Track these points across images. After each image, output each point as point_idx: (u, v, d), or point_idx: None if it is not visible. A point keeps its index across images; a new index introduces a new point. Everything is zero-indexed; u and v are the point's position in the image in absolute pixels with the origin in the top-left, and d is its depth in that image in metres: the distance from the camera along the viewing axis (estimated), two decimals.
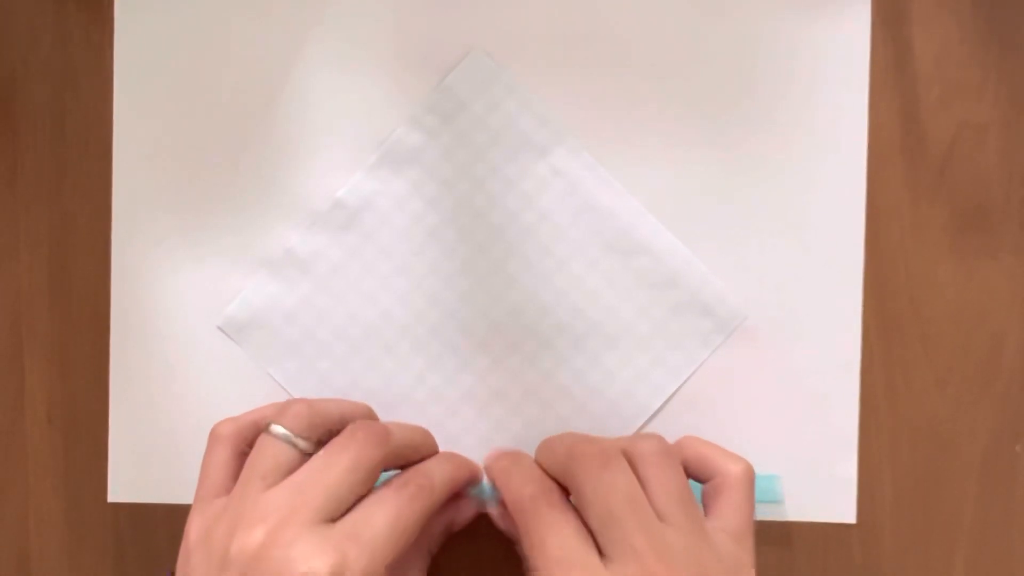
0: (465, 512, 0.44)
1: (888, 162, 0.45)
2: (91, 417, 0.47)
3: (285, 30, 0.46)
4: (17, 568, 0.47)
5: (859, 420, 0.46)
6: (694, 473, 0.42)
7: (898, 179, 0.45)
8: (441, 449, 0.45)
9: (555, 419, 0.46)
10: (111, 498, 0.47)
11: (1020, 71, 0.45)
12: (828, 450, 0.46)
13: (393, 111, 0.46)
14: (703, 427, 0.45)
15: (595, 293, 0.46)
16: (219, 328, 0.47)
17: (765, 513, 0.46)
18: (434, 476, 0.40)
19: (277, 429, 0.39)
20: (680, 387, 0.46)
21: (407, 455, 0.41)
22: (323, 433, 0.40)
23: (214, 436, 0.41)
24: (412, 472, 0.40)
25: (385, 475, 0.40)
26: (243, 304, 0.46)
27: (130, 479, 0.47)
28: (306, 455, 0.39)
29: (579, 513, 0.38)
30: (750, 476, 0.41)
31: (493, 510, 0.43)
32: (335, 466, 0.38)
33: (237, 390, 0.46)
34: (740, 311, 0.46)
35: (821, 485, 0.46)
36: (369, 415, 0.43)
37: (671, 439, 0.43)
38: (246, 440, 0.41)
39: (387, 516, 0.37)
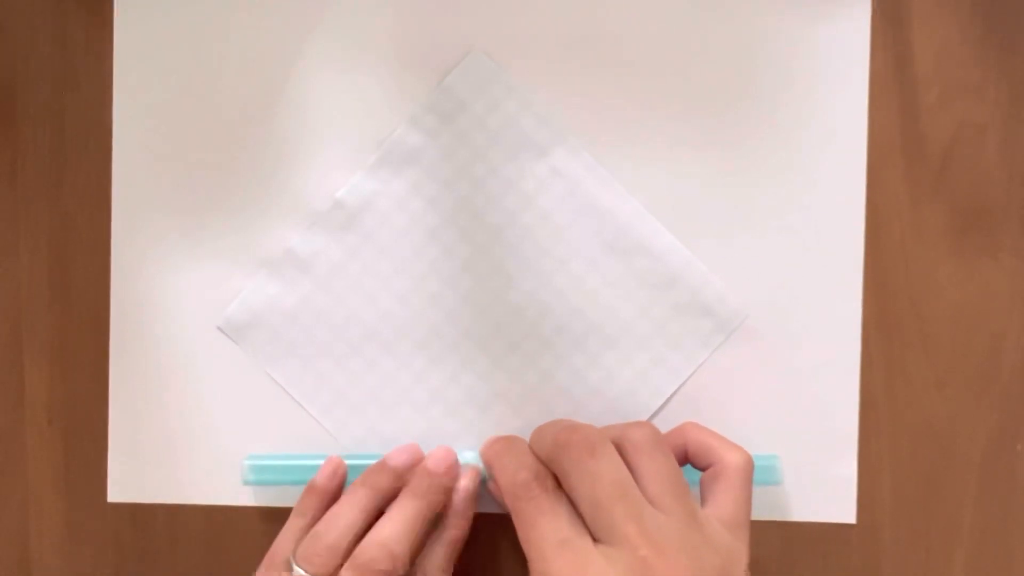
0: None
1: (888, 162, 0.45)
2: (91, 417, 0.47)
3: (285, 30, 0.46)
4: (17, 568, 0.47)
5: (859, 420, 0.46)
6: (693, 460, 0.42)
7: (898, 179, 0.45)
8: (441, 448, 0.45)
9: (555, 419, 0.46)
10: (111, 498, 0.47)
11: (1020, 71, 0.45)
12: (828, 450, 0.46)
13: (393, 111, 0.46)
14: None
15: (595, 293, 0.46)
16: (219, 328, 0.47)
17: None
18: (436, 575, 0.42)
19: (300, 573, 0.40)
20: (680, 387, 0.46)
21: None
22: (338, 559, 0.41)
23: (272, 559, 0.42)
24: None
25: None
26: (243, 304, 0.46)
27: (129, 479, 0.47)
28: None
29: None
30: (749, 466, 0.41)
31: (492, 486, 0.44)
32: None
33: (237, 390, 0.46)
34: (740, 311, 0.46)
35: (821, 485, 0.46)
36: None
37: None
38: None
39: None
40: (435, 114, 0.46)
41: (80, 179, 0.47)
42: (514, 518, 0.39)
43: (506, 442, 0.42)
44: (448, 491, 0.43)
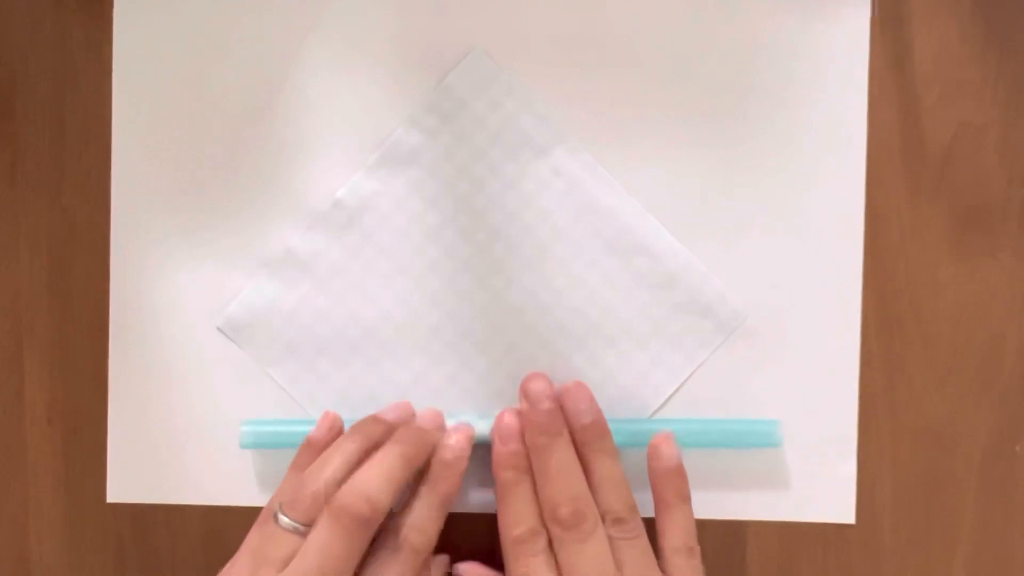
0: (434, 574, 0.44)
1: (888, 162, 0.45)
2: (90, 417, 0.47)
3: (285, 30, 0.46)
4: (17, 568, 0.47)
5: (859, 420, 0.46)
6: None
7: (898, 179, 0.45)
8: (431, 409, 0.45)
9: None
10: (110, 498, 0.47)
11: (1020, 71, 0.45)
12: (828, 450, 0.46)
13: (393, 111, 0.46)
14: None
15: (595, 293, 0.46)
16: (218, 328, 0.47)
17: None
18: (426, 529, 0.42)
19: (285, 521, 0.40)
20: (680, 387, 0.46)
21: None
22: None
23: (268, 514, 0.42)
24: (405, 530, 0.41)
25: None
26: (243, 304, 0.46)
27: (129, 479, 0.47)
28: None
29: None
30: (691, 551, 0.43)
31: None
32: (331, 555, 0.39)
33: (237, 390, 0.46)
34: (740, 311, 0.46)
35: (820, 485, 0.46)
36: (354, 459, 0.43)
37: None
38: None
39: None
40: (435, 114, 0.46)
41: (80, 179, 0.47)
42: (504, 566, 0.42)
43: (515, 477, 0.43)
44: (433, 446, 0.43)
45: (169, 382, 0.47)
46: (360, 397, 0.46)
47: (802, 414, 0.46)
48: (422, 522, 0.42)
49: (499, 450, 0.43)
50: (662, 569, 0.42)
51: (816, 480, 0.46)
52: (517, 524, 0.42)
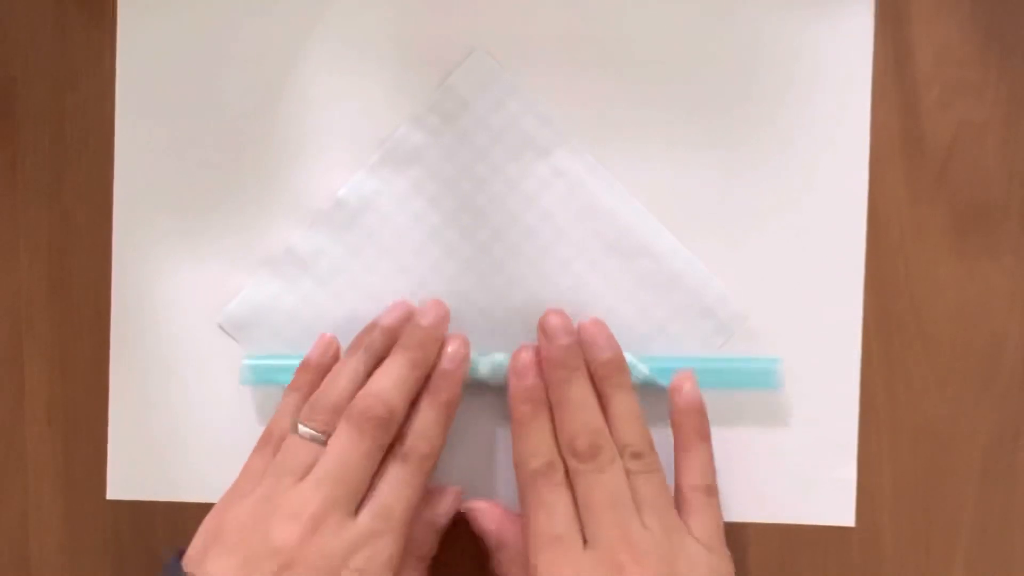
0: (445, 506, 0.44)
1: (888, 162, 0.45)
2: (91, 417, 0.47)
3: (287, 29, 0.46)
4: (17, 566, 0.47)
5: (859, 420, 0.46)
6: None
7: (898, 179, 0.45)
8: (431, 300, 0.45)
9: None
10: (110, 495, 0.47)
11: (1020, 71, 0.45)
12: (827, 452, 0.46)
13: (395, 110, 0.46)
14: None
15: (596, 294, 0.46)
16: (219, 326, 0.46)
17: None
18: (431, 436, 0.42)
19: (304, 430, 0.41)
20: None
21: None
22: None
23: (269, 436, 0.43)
24: (412, 437, 0.42)
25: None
26: (244, 302, 0.46)
27: (129, 477, 0.47)
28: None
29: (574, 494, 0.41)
30: (704, 487, 0.43)
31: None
32: (351, 460, 0.40)
33: (237, 389, 0.46)
34: (741, 312, 0.46)
35: (820, 488, 0.46)
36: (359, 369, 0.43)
37: (671, 443, 0.43)
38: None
39: (401, 500, 0.41)
40: (437, 113, 0.46)
41: (80, 179, 0.47)
42: (519, 501, 0.42)
43: (532, 410, 0.42)
44: (437, 343, 0.43)
45: (170, 380, 0.47)
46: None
47: (802, 416, 0.46)
48: (426, 430, 0.42)
49: (516, 384, 0.43)
50: (679, 507, 0.42)
51: (816, 483, 0.46)
52: (534, 456, 0.42)
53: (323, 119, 0.46)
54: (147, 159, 0.47)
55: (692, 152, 0.46)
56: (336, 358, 0.45)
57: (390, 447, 0.42)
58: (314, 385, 0.44)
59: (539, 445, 0.42)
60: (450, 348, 0.43)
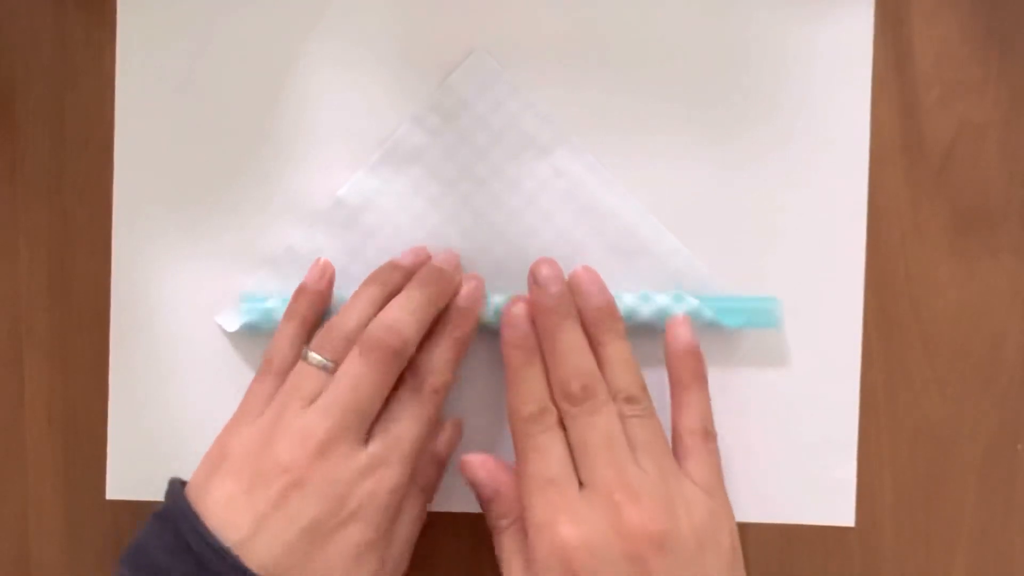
0: (446, 436, 0.44)
1: (888, 162, 0.45)
2: (91, 416, 0.47)
3: (287, 29, 0.46)
4: (17, 566, 0.47)
5: (859, 420, 0.45)
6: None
7: (898, 179, 0.45)
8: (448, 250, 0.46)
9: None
10: (109, 495, 0.47)
11: (1020, 71, 0.45)
12: (827, 452, 0.46)
13: (395, 110, 0.46)
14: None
15: None
16: (219, 326, 0.46)
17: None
18: (444, 370, 0.42)
19: (315, 358, 0.41)
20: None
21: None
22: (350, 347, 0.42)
23: (269, 364, 0.43)
24: (425, 370, 0.42)
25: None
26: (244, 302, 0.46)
27: (129, 476, 0.47)
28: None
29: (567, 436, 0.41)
30: (707, 433, 0.42)
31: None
32: (362, 387, 0.40)
33: (237, 389, 0.46)
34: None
35: (820, 488, 0.46)
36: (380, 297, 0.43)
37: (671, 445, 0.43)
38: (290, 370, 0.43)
39: (411, 429, 0.41)
40: (437, 113, 0.46)
41: (80, 179, 0.47)
42: (513, 447, 0.42)
43: (524, 356, 0.42)
44: (453, 286, 0.43)
45: (169, 380, 0.46)
46: None
47: (802, 416, 0.46)
48: (440, 364, 0.42)
49: (508, 333, 0.43)
50: (677, 452, 0.42)
51: (816, 483, 0.46)
52: (527, 403, 0.41)
53: (323, 118, 0.46)
54: (147, 159, 0.47)
55: (692, 152, 0.46)
56: (331, 283, 0.45)
57: (401, 379, 0.42)
58: (309, 312, 0.44)
59: (531, 391, 0.42)
60: (466, 288, 0.44)
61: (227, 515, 0.39)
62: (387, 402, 0.41)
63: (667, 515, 0.39)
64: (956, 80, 0.45)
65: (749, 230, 0.46)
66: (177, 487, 0.41)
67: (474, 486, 0.43)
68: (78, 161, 0.47)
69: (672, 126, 0.46)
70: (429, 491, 0.44)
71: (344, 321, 0.42)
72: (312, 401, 0.40)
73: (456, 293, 0.44)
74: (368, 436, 0.41)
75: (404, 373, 0.42)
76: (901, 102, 0.45)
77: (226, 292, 0.46)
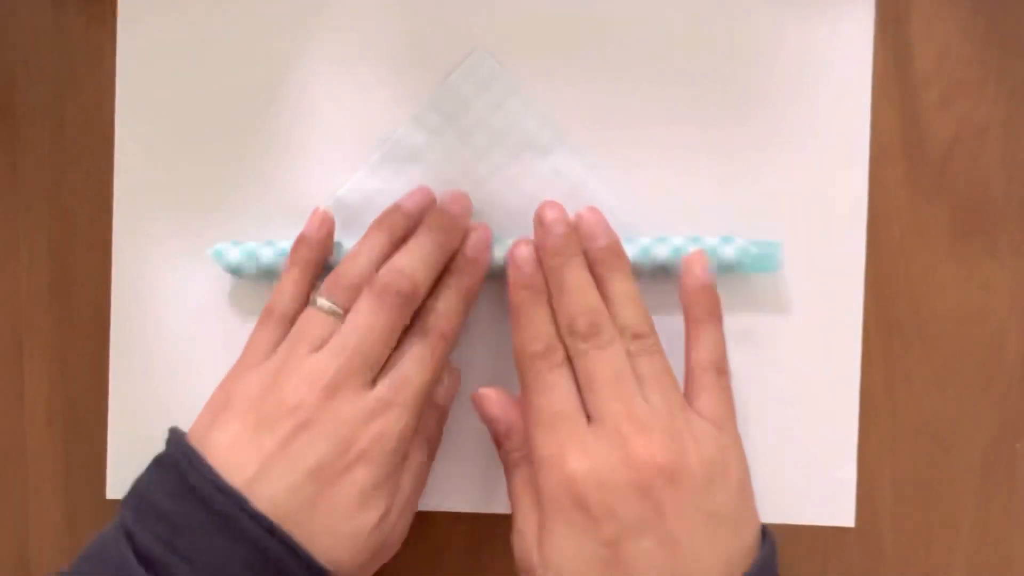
0: (445, 383, 0.44)
1: (888, 162, 0.45)
2: (91, 417, 0.47)
3: (287, 29, 0.46)
4: (17, 566, 0.47)
5: (859, 420, 0.45)
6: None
7: (898, 179, 0.45)
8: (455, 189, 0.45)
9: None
10: (110, 495, 0.47)
11: (1020, 71, 0.45)
12: (827, 452, 0.46)
13: (395, 110, 0.46)
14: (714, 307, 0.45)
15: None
16: (220, 326, 0.46)
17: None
18: (452, 317, 0.42)
19: (323, 303, 0.41)
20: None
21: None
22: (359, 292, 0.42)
23: (271, 313, 0.43)
24: (434, 317, 0.42)
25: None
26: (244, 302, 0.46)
27: (129, 477, 0.46)
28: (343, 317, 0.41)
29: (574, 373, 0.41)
30: (720, 369, 0.42)
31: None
32: (372, 331, 0.40)
33: None
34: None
35: (820, 488, 0.46)
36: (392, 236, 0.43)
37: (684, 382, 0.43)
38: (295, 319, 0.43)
39: (419, 374, 0.41)
40: (438, 113, 0.46)
41: (80, 179, 0.47)
42: (519, 385, 0.42)
43: (531, 296, 0.42)
44: (462, 230, 0.43)
45: (169, 381, 0.46)
46: None
47: (802, 416, 0.46)
48: (448, 311, 0.42)
49: (515, 274, 0.43)
50: (688, 388, 0.42)
51: (816, 483, 0.46)
52: (533, 341, 0.41)
53: (323, 118, 0.46)
54: (147, 159, 0.47)
55: (692, 152, 0.46)
56: (331, 233, 0.44)
57: (410, 325, 0.42)
58: (310, 261, 0.44)
59: (538, 330, 0.41)
60: (473, 237, 0.43)
61: (232, 457, 0.39)
62: (395, 348, 0.41)
63: (676, 447, 0.39)
64: (956, 80, 0.45)
65: (749, 229, 0.46)
66: (178, 433, 0.40)
67: (487, 421, 0.43)
68: (78, 161, 0.47)
69: (672, 126, 0.46)
70: (432, 442, 0.44)
71: (352, 267, 0.42)
72: (320, 346, 0.40)
73: (465, 237, 0.43)
74: (376, 381, 0.41)
75: (413, 319, 0.42)
76: (901, 102, 0.45)
77: (226, 292, 0.46)
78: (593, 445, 0.39)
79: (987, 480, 0.45)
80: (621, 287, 0.42)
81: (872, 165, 0.45)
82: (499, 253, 0.44)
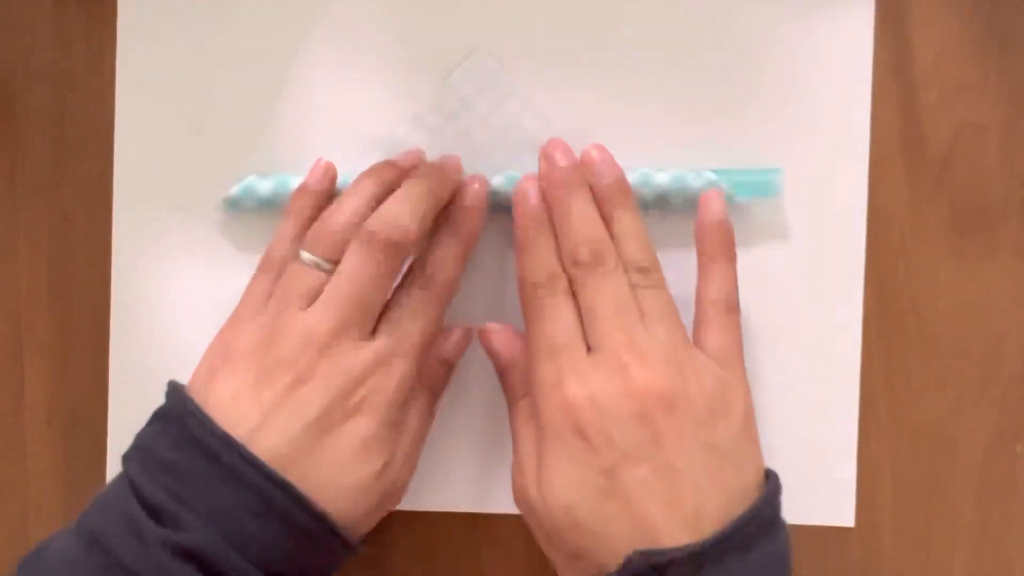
0: (455, 338, 0.44)
1: (888, 162, 0.45)
2: (91, 417, 0.47)
3: (287, 29, 0.46)
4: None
5: (859, 420, 0.45)
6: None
7: (898, 179, 0.45)
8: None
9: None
10: None
11: (1020, 71, 0.45)
12: (827, 452, 0.46)
13: (396, 109, 0.46)
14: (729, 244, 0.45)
15: None
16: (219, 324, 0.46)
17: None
18: (451, 266, 0.42)
19: (307, 257, 0.41)
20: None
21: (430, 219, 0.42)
22: (346, 245, 0.41)
23: (267, 261, 0.43)
24: (432, 266, 0.42)
25: None
26: None
27: None
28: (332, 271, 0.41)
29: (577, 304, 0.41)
30: (730, 306, 0.42)
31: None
32: (363, 281, 0.40)
33: None
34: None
35: (820, 488, 0.46)
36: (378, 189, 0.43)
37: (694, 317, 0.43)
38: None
39: (418, 324, 0.41)
40: (438, 113, 0.46)
41: (80, 179, 0.47)
42: (523, 315, 0.42)
43: (535, 227, 0.42)
44: (453, 182, 0.43)
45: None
46: None
47: (802, 416, 0.46)
48: (445, 260, 0.42)
49: (519, 208, 0.43)
50: (696, 324, 0.42)
51: (816, 483, 0.46)
52: (536, 271, 0.41)
53: (323, 118, 0.46)
54: (147, 159, 0.47)
55: (692, 152, 0.46)
56: (333, 183, 0.44)
57: (408, 275, 0.42)
58: (311, 211, 0.43)
59: (541, 260, 0.41)
60: (471, 187, 0.43)
61: (233, 409, 0.39)
62: (393, 298, 0.41)
63: (676, 377, 0.39)
64: (956, 80, 0.45)
65: (749, 230, 0.45)
66: (178, 386, 0.40)
67: (491, 355, 0.43)
68: (78, 161, 0.47)
69: (672, 126, 0.46)
70: (436, 391, 0.44)
71: (337, 216, 0.41)
72: (310, 300, 0.40)
73: (457, 192, 0.43)
74: (374, 331, 0.41)
75: (411, 269, 0.42)
76: (901, 102, 0.45)
77: (227, 292, 0.46)
78: (593, 373, 0.39)
79: (987, 480, 0.45)
80: (627, 223, 0.42)
81: (872, 165, 0.45)
82: (498, 181, 0.44)
